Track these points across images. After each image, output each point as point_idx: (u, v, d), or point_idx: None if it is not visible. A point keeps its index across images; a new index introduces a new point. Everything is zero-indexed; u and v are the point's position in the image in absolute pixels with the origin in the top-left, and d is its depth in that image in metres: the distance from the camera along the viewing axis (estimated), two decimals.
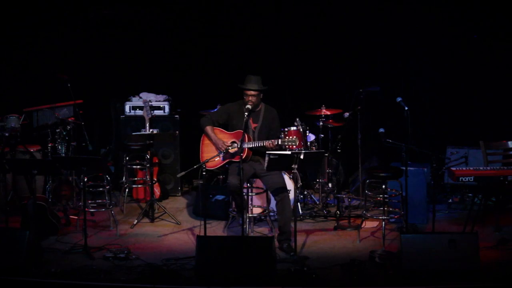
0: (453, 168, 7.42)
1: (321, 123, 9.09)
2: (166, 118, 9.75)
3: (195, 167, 7.38)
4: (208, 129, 7.82)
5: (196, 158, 7.93)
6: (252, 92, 7.64)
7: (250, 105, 7.61)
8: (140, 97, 9.78)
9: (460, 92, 9.64)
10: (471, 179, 7.18)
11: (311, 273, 6.68)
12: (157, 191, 9.26)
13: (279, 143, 7.49)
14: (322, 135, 9.16)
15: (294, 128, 8.56)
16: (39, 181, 8.54)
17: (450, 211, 8.88)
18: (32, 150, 8.72)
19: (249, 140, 7.65)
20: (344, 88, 9.04)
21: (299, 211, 8.51)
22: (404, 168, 7.46)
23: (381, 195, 7.94)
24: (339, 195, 8.78)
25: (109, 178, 8.50)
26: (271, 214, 8.19)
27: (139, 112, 9.61)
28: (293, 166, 7.03)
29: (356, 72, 9.71)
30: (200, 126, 7.87)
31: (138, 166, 9.18)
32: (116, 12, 10.18)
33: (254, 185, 8.09)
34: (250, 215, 8.05)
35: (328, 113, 9.08)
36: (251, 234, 8.00)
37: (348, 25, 9.75)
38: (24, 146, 8.64)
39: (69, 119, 9.13)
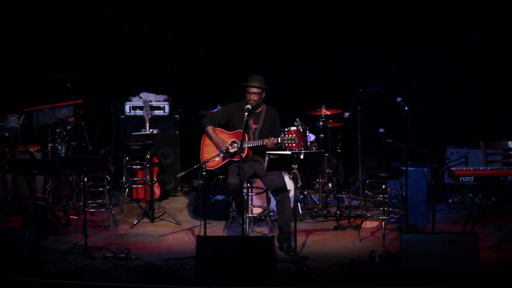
0: (453, 168, 7.42)
1: (321, 123, 9.08)
2: (166, 118, 9.75)
3: (195, 167, 7.38)
4: (209, 129, 7.82)
5: (196, 158, 7.93)
6: (254, 90, 7.62)
7: (251, 104, 7.60)
8: (140, 97, 9.78)
9: (460, 92, 9.63)
10: (471, 179, 7.17)
11: (311, 273, 6.68)
12: (157, 191, 9.25)
13: (279, 141, 7.49)
14: (322, 135, 9.15)
15: (294, 128, 8.56)
16: (39, 181, 8.53)
17: (450, 211, 8.88)
18: (32, 150, 8.71)
19: (249, 139, 7.64)
20: (344, 88, 9.03)
21: (299, 211, 8.51)
22: (404, 168, 7.46)
23: (381, 195, 7.94)
24: (339, 195, 8.77)
25: (109, 178, 8.50)
26: (271, 214, 8.19)
27: (139, 112, 9.61)
28: (293, 166, 7.03)
29: (356, 72, 9.71)
30: (201, 126, 7.87)
31: (138, 166, 9.18)
32: (116, 12, 10.17)
33: (254, 185, 8.09)
34: (250, 215, 8.05)
35: (328, 113, 9.07)
36: (251, 234, 8.00)
37: (348, 25, 9.74)
38: (24, 146, 8.63)
39: (69, 119, 9.13)
